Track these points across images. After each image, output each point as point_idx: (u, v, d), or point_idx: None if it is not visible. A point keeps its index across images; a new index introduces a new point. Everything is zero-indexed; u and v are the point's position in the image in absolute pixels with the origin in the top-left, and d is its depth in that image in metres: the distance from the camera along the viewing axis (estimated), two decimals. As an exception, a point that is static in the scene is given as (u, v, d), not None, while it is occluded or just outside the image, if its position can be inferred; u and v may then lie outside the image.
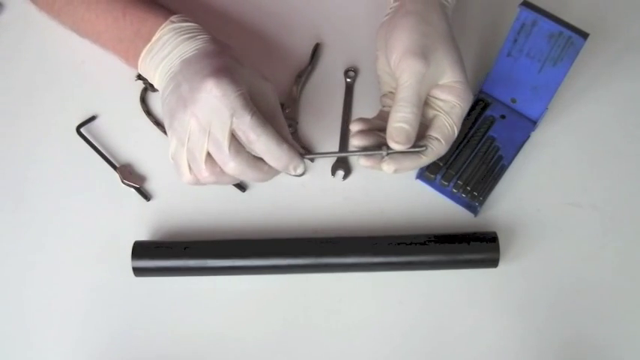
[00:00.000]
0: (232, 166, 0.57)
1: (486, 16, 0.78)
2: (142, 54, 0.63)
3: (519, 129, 0.71)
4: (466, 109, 0.62)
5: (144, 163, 0.71)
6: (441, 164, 0.69)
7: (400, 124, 0.58)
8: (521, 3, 0.63)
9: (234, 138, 0.57)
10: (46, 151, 0.72)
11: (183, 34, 0.62)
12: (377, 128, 0.62)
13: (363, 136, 0.61)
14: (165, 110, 0.60)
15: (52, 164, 0.71)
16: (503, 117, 0.71)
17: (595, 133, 0.72)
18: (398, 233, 0.65)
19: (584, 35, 0.62)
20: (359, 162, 0.61)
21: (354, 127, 0.62)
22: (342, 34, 0.78)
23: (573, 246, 0.67)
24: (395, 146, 0.59)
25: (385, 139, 0.60)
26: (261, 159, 0.59)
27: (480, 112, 0.72)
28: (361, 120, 0.62)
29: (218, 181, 0.59)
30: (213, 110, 0.56)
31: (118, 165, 0.71)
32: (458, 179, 0.68)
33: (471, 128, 0.71)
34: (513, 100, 0.71)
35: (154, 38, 0.63)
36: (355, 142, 0.61)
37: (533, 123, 0.71)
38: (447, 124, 0.61)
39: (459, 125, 0.62)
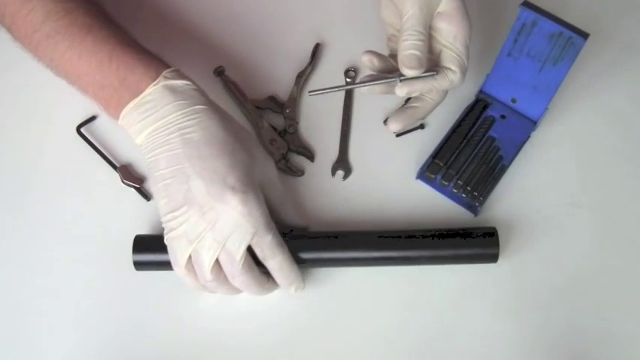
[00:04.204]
0: (240, 280, 0.59)
1: (486, 16, 0.78)
2: (128, 107, 0.59)
3: (519, 129, 0.71)
4: (467, 35, 0.62)
5: (144, 163, 0.71)
6: (441, 164, 0.69)
7: (410, 51, 0.60)
8: (522, 3, 0.63)
9: (247, 254, 0.58)
10: (46, 151, 0.72)
11: (180, 98, 0.59)
12: (385, 64, 0.64)
13: (374, 56, 0.63)
14: (162, 190, 0.58)
15: (52, 164, 0.71)
16: (503, 117, 0.71)
17: (595, 133, 0.72)
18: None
19: (585, 35, 0.62)
20: (389, 128, 0.64)
21: (365, 57, 0.63)
22: (342, 34, 0.78)
23: (573, 246, 0.67)
24: (408, 72, 0.60)
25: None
26: (264, 276, 0.61)
27: (480, 112, 0.72)
28: (372, 53, 0.64)
29: (217, 287, 0.60)
30: (236, 226, 0.57)
31: (118, 165, 0.71)
32: (458, 179, 0.68)
33: (471, 128, 0.71)
34: (514, 100, 0.71)
35: (145, 93, 0.59)
36: (365, 57, 0.63)
37: (534, 123, 0.71)
38: (454, 55, 0.62)
39: (466, 53, 0.62)
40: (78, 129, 0.72)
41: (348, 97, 0.74)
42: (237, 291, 0.61)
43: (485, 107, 0.72)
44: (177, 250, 0.59)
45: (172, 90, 0.59)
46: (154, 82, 0.59)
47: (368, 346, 0.63)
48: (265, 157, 0.64)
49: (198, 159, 0.58)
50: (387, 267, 0.65)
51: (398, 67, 0.62)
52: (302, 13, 0.79)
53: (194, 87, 0.61)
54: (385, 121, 0.72)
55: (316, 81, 0.76)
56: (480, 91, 0.73)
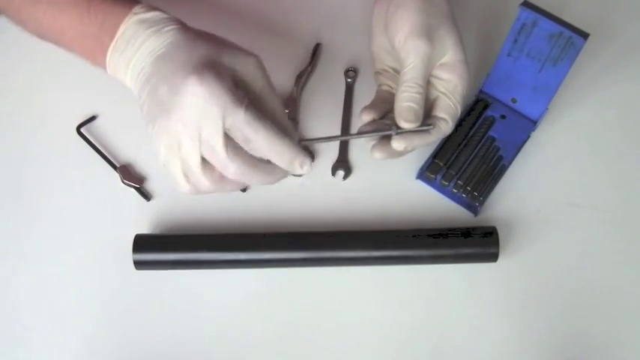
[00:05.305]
0: (233, 168, 0.54)
1: (486, 16, 0.78)
2: (109, 52, 0.58)
3: (519, 129, 0.71)
4: (467, 87, 0.62)
5: (144, 163, 0.71)
6: (441, 164, 0.69)
7: (409, 104, 0.59)
8: (522, 3, 0.63)
9: (229, 138, 0.53)
10: (46, 151, 0.72)
11: (150, 27, 0.57)
12: (383, 112, 0.63)
13: (372, 125, 0.61)
14: (145, 116, 0.56)
15: (53, 164, 0.71)
16: (503, 117, 0.71)
17: (595, 133, 0.72)
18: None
19: (585, 35, 0.62)
20: (373, 155, 0.61)
21: (365, 117, 0.62)
22: (342, 34, 0.78)
23: (573, 246, 0.67)
24: (405, 125, 0.59)
25: (391, 120, 0.60)
26: (258, 159, 0.55)
27: (480, 112, 0.72)
28: (369, 108, 0.62)
29: (220, 188, 0.56)
30: (202, 112, 0.52)
31: (118, 165, 0.71)
32: (458, 179, 0.68)
33: (471, 128, 0.71)
34: (514, 100, 0.71)
35: (118, 33, 0.58)
36: (366, 118, 0.62)
37: (534, 123, 0.71)
38: (451, 104, 0.61)
39: (462, 103, 0.62)
40: (78, 129, 0.72)
41: (348, 97, 0.74)
42: (243, 182, 0.57)
43: (485, 107, 0.72)
44: (173, 171, 0.55)
45: (143, 23, 0.58)
46: (125, 20, 0.58)
47: (368, 345, 0.63)
48: (243, 51, 0.58)
49: (163, 66, 0.55)
50: (388, 266, 0.65)
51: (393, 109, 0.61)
52: (302, 13, 0.79)
53: (165, 15, 0.59)
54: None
55: (316, 81, 0.76)
56: (480, 91, 0.73)
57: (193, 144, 0.53)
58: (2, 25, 0.75)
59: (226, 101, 0.52)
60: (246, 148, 0.54)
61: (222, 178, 0.55)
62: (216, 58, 0.55)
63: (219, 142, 0.52)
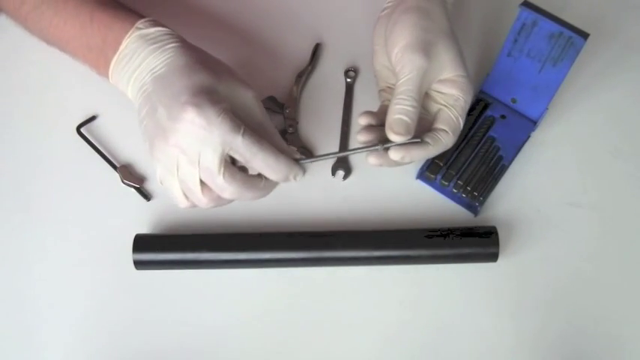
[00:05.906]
0: (229, 192, 0.56)
1: (486, 16, 0.78)
2: (112, 65, 0.60)
3: (519, 129, 0.71)
4: (469, 101, 0.61)
5: (144, 163, 0.71)
6: (441, 164, 0.69)
7: (399, 116, 0.58)
8: (522, 3, 0.63)
9: (225, 163, 0.55)
10: (46, 151, 0.72)
11: (152, 43, 0.59)
12: (382, 122, 0.62)
13: (368, 132, 0.61)
14: (144, 134, 0.58)
15: (53, 164, 0.71)
16: (503, 117, 0.72)
17: (595, 133, 0.72)
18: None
19: (585, 35, 0.62)
20: (367, 160, 0.60)
21: (362, 121, 0.61)
22: (342, 34, 0.78)
23: (573, 246, 0.67)
24: (394, 137, 0.58)
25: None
26: (256, 176, 0.58)
27: (480, 112, 0.72)
28: (368, 113, 0.62)
29: (217, 204, 0.58)
30: (201, 140, 0.54)
31: (118, 165, 0.71)
32: (458, 179, 0.68)
33: (471, 128, 0.71)
34: (513, 100, 0.71)
35: (121, 48, 0.59)
36: (361, 138, 0.61)
37: (534, 123, 0.71)
38: (452, 117, 0.61)
39: (464, 117, 0.62)
40: (78, 129, 0.72)
41: (348, 97, 0.74)
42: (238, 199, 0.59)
43: (485, 107, 0.72)
44: (171, 189, 0.58)
45: (145, 39, 0.59)
46: (128, 35, 0.59)
47: (368, 345, 0.63)
48: (241, 84, 0.60)
49: (162, 89, 0.57)
50: (388, 266, 0.65)
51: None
52: (302, 13, 0.79)
53: (167, 31, 0.60)
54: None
55: (316, 81, 0.76)
56: (480, 91, 0.73)
57: (192, 169, 0.55)
58: (2, 25, 0.75)
59: (225, 129, 0.54)
60: (244, 164, 0.57)
61: (219, 196, 0.57)
62: (214, 86, 0.57)
63: (216, 168, 0.55)
